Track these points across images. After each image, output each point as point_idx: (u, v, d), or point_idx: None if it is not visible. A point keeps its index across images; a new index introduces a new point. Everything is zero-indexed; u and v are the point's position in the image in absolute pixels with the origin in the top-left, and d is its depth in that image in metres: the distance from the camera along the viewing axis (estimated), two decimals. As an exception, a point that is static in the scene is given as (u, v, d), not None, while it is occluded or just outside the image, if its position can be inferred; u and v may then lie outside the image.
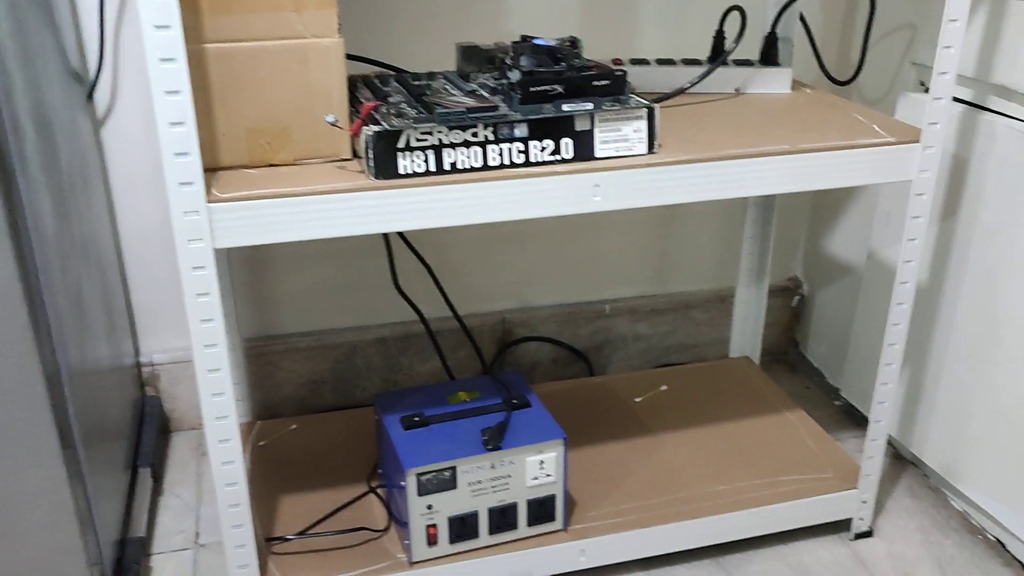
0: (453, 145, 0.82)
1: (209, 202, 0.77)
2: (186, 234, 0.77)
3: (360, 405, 1.39)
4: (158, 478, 1.25)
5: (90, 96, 1.16)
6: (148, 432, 1.25)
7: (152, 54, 0.71)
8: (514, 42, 0.92)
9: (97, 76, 1.15)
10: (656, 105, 0.87)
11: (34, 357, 0.81)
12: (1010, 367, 1.09)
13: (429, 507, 0.98)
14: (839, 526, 1.16)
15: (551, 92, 0.84)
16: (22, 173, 0.80)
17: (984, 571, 1.11)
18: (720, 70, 1.10)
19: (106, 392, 1.06)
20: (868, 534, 1.16)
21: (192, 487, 1.24)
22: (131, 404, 1.22)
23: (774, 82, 1.13)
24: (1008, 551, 1.13)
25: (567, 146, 0.86)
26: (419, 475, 0.96)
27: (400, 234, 1.28)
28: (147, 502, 1.17)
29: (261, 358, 1.33)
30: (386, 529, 1.05)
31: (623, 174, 0.87)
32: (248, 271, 1.30)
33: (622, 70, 0.87)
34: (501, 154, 0.84)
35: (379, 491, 1.11)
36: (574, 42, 0.92)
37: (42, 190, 0.87)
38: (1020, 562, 1.12)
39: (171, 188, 0.75)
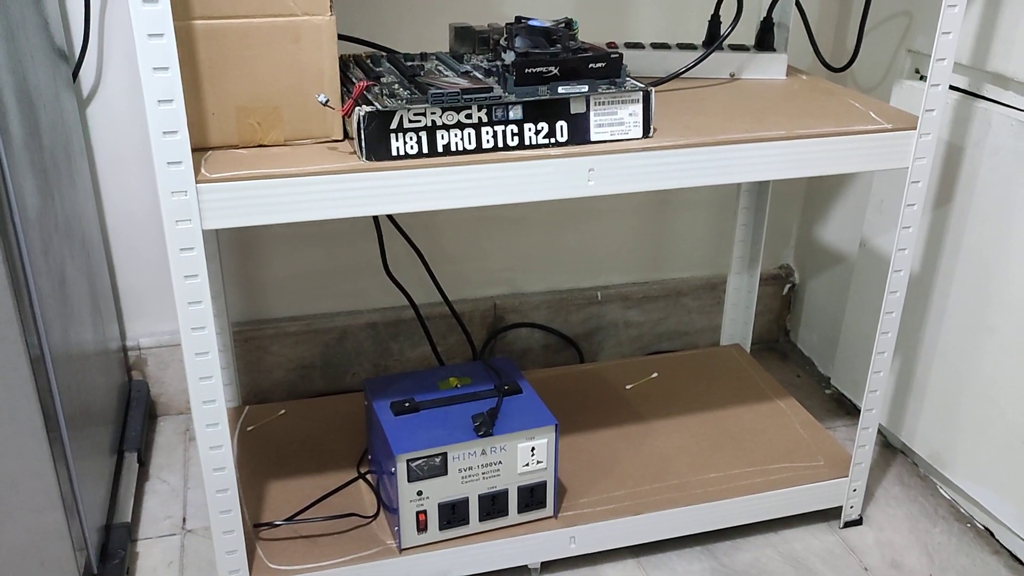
0: (446, 127, 0.81)
1: (198, 182, 0.76)
2: (174, 215, 0.76)
3: (350, 390, 1.38)
4: (144, 463, 1.24)
5: (75, 74, 1.14)
6: (135, 416, 1.23)
7: (139, 30, 0.69)
8: (508, 23, 0.90)
9: (83, 54, 1.13)
10: (652, 88, 0.86)
11: (18, 340, 0.79)
12: (1001, 356, 1.09)
13: (419, 493, 0.97)
14: (829, 514, 1.16)
15: (546, 74, 0.83)
16: (6, 151, 0.78)
17: (972, 559, 1.11)
18: (715, 55, 1.09)
19: (91, 376, 1.05)
20: (858, 522, 1.16)
21: (179, 472, 1.23)
22: (117, 388, 1.21)
23: (769, 68, 1.12)
24: (996, 539, 1.14)
25: (562, 129, 0.85)
26: (409, 461, 0.95)
27: (391, 218, 1.27)
28: (133, 487, 1.16)
29: (250, 342, 1.32)
30: (375, 515, 1.04)
31: (618, 158, 0.86)
32: (237, 254, 1.29)
33: (618, 52, 0.86)
34: (495, 136, 0.83)
35: (368, 477, 1.11)
36: (569, 24, 0.91)
37: (25, 169, 0.85)
38: (1008, 550, 1.12)
39: (159, 167, 0.74)
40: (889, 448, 1.31)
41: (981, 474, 1.14)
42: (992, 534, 1.15)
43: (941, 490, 1.22)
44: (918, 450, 1.25)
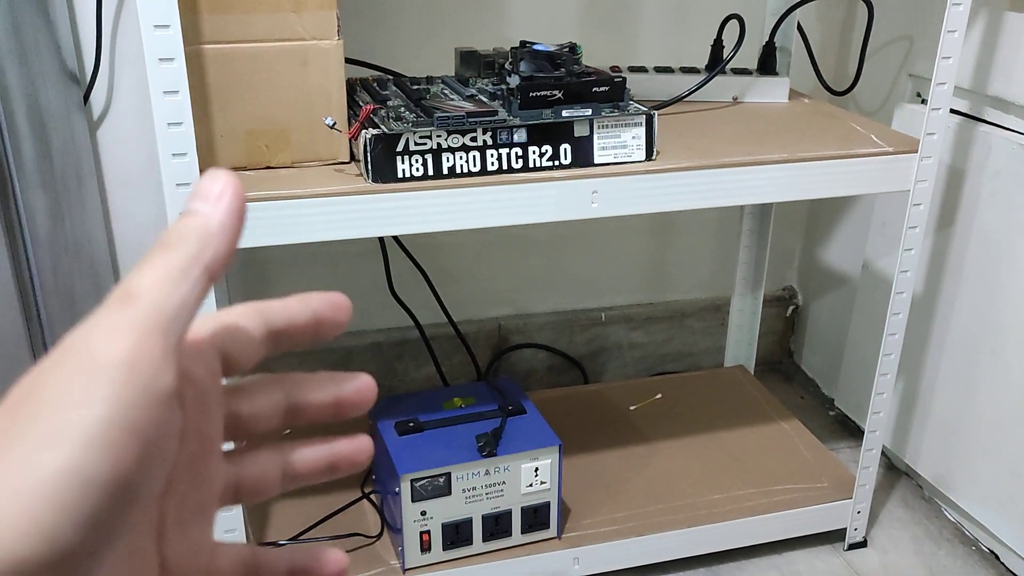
0: (452, 149, 0.82)
1: (206, 203, 0.76)
2: (182, 235, 0.77)
3: (354, 411, 1.38)
4: (149, 482, 1.24)
5: (86, 97, 1.15)
6: (140, 436, 1.24)
7: (151, 54, 0.71)
8: (513, 47, 0.92)
9: (94, 77, 1.14)
10: (655, 112, 0.87)
11: (28, 361, 0.80)
12: (1005, 378, 1.09)
13: (423, 513, 0.97)
14: (833, 536, 1.15)
15: (550, 97, 0.84)
16: (18, 172, 0.79)
17: (978, 582, 1.11)
18: (718, 79, 1.10)
19: (98, 395, 1.05)
20: (862, 544, 1.15)
21: (183, 492, 1.23)
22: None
23: (772, 91, 1.13)
24: (1001, 562, 1.13)
25: (566, 152, 0.86)
26: (413, 481, 0.95)
27: (396, 239, 1.28)
28: (138, 506, 1.16)
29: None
30: (379, 535, 1.04)
31: (621, 180, 0.87)
32: (243, 275, 1.30)
33: (622, 76, 0.87)
34: (500, 159, 0.84)
35: (372, 497, 1.11)
36: (573, 48, 0.92)
37: (36, 190, 0.86)
38: (1013, 573, 1.11)
39: (168, 189, 0.75)
40: (893, 470, 1.31)
41: (986, 496, 1.14)
42: (997, 557, 1.14)
43: (946, 512, 1.22)
44: (922, 472, 1.24)
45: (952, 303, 1.16)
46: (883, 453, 1.32)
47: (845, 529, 1.14)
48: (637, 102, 0.89)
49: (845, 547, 1.15)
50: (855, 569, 1.12)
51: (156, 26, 0.70)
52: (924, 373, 1.22)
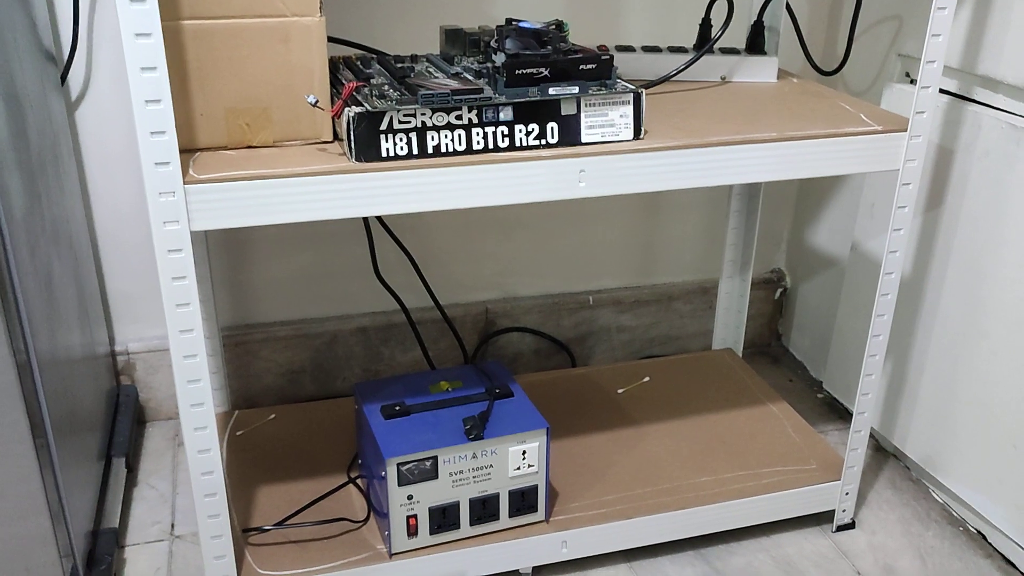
0: (437, 128, 0.81)
1: (186, 183, 0.75)
2: (162, 216, 0.75)
3: (340, 395, 1.37)
4: (132, 468, 1.23)
5: (64, 77, 1.13)
6: (123, 422, 1.22)
7: (127, 29, 0.69)
8: (499, 25, 0.90)
9: (71, 56, 1.12)
10: (643, 90, 0.86)
11: (4, 344, 0.78)
12: (993, 359, 1.09)
13: (410, 497, 0.96)
14: (821, 518, 1.15)
15: (537, 75, 0.83)
16: (-9, 152, 0.78)
17: (965, 562, 1.11)
18: (706, 58, 1.09)
19: (79, 381, 1.04)
20: (850, 526, 1.15)
21: (168, 478, 1.22)
22: (105, 393, 1.20)
23: (760, 71, 1.12)
24: (989, 542, 1.14)
25: (552, 130, 0.84)
26: (400, 465, 0.94)
27: (381, 220, 1.26)
28: (121, 493, 1.15)
29: (240, 347, 1.31)
30: (366, 520, 1.04)
31: (609, 159, 0.86)
32: (226, 257, 1.28)
33: (609, 54, 0.86)
34: (485, 138, 0.83)
35: (359, 482, 1.10)
36: (560, 26, 0.91)
37: (11, 169, 0.84)
38: (1001, 553, 1.12)
39: (146, 168, 0.73)
40: (881, 452, 1.31)
41: (973, 478, 1.14)
42: (984, 537, 1.14)
43: (933, 494, 1.22)
44: (910, 454, 1.25)
45: (940, 284, 1.16)
46: (871, 435, 1.32)
47: (833, 511, 1.14)
48: (625, 81, 0.88)
49: (833, 529, 1.15)
50: (843, 551, 1.12)
51: (132, 0, 0.68)
52: (912, 355, 1.22)
